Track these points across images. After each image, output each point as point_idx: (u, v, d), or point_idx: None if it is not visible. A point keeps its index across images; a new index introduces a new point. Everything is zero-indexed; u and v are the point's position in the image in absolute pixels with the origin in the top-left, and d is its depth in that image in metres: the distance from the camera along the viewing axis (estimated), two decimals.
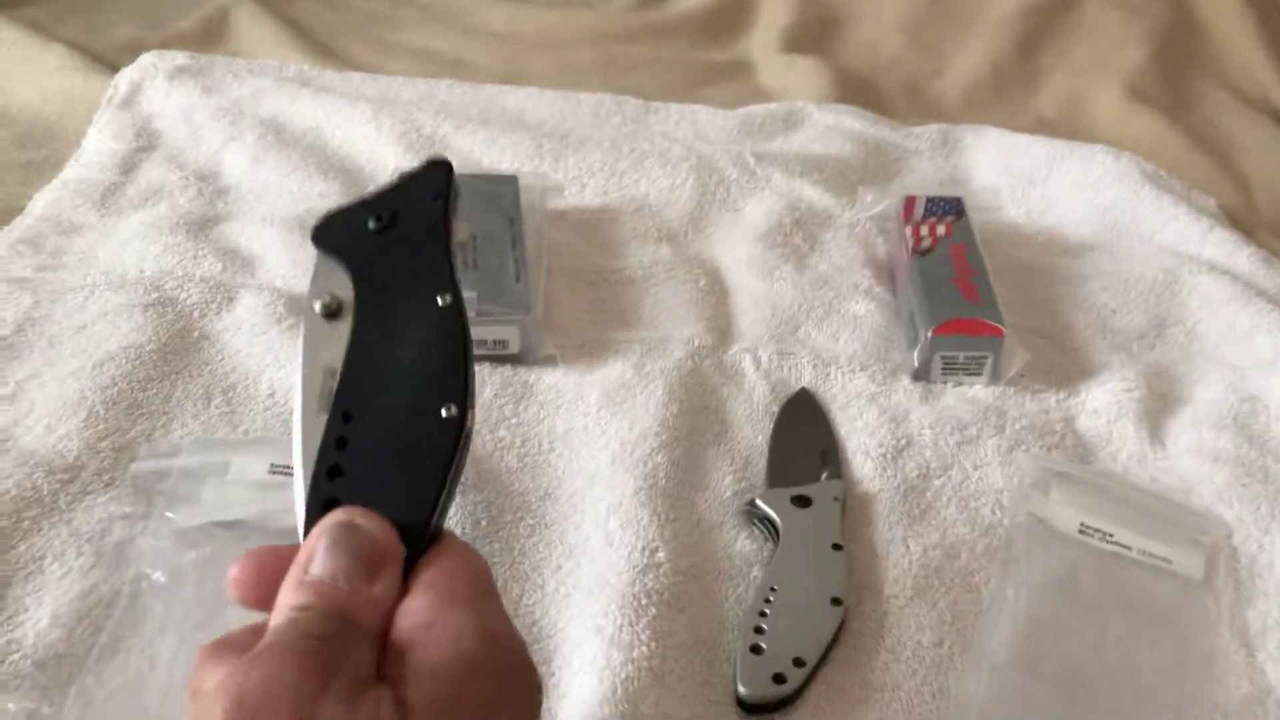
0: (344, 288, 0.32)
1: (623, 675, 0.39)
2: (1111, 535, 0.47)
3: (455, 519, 0.45)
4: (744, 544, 0.46)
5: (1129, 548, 0.46)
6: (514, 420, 0.51)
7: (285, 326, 0.53)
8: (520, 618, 0.42)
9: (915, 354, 0.55)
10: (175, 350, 0.52)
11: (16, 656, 0.38)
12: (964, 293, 0.56)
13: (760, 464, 0.50)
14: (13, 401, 0.48)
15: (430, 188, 0.34)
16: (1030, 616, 0.43)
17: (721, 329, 0.57)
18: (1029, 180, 0.71)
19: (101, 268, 0.56)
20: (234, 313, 0.55)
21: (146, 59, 0.72)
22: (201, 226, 0.60)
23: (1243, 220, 0.70)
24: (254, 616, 0.28)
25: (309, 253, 0.33)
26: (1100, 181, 0.69)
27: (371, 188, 0.37)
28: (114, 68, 0.72)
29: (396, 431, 0.30)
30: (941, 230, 0.60)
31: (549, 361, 0.54)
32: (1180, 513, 0.48)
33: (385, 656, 0.26)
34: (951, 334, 0.54)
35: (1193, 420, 0.53)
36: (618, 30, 0.87)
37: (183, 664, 0.38)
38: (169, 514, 0.43)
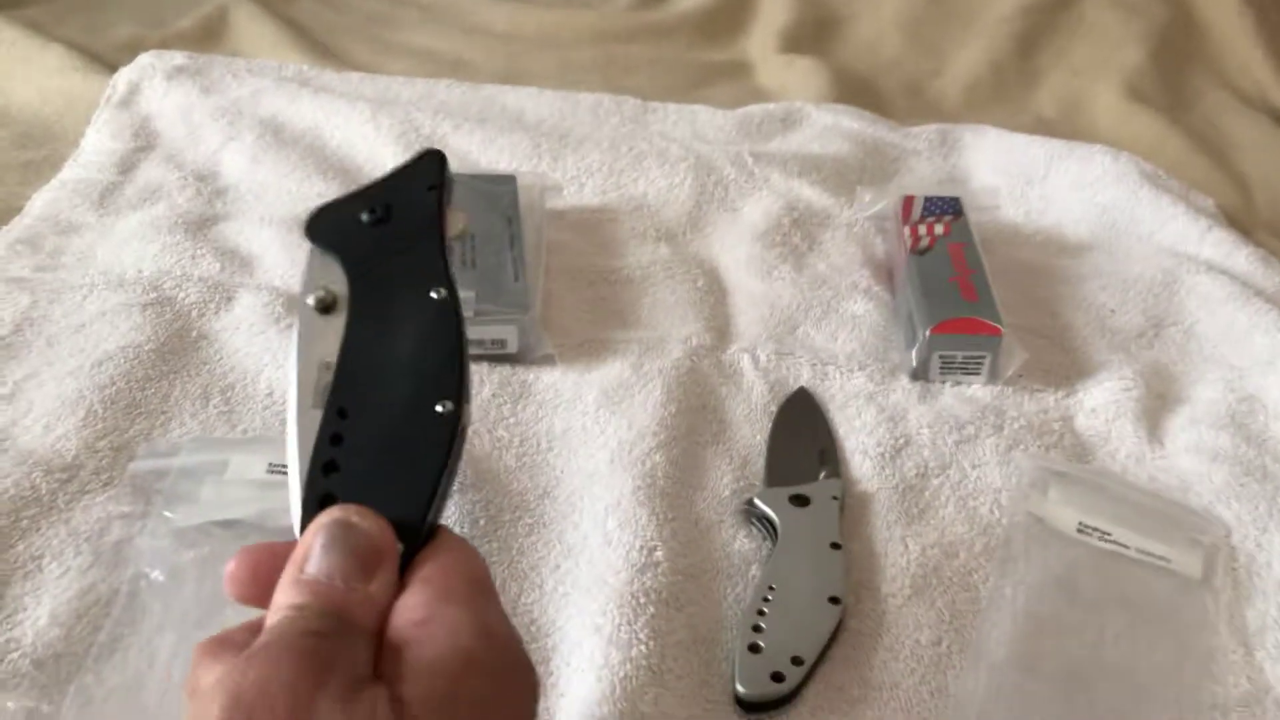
0: (338, 281, 0.32)
1: (621, 674, 0.39)
2: (1110, 534, 0.47)
3: (454, 518, 0.45)
4: (742, 543, 0.46)
5: (1127, 547, 0.46)
6: (512, 419, 0.51)
7: (284, 326, 0.53)
8: (519, 616, 0.42)
9: (913, 353, 0.55)
10: (173, 350, 0.52)
11: (15, 655, 0.38)
12: (962, 292, 0.56)
13: (758, 463, 0.50)
14: (11, 401, 0.48)
15: (424, 179, 0.34)
16: (1028, 615, 0.43)
17: (720, 328, 0.57)
18: (1027, 180, 0.71)
19: (100, 267, 0.56)
20: (232, 312, 0.55)
21: (145, 59, 0.72)
22: (200, 226, 0.60)
23: (1241, 220, 0.70)
24: (253, 616, 0.28)
25: (306, 251, 0.33)
26: (1099, 181, 0.69)
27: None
28: (113, 67, 0.72)
29: (392, 427, 0.30)
30: (940, 230, 0.60)
31: (547, 361, 0.54)
32: (1178, 512, 0.48)
33: (382, 654, 0.26)
34: (950, 333, 0.54)
35: (1191, 419, 0.53)
36: (617, 30, 0.87)
37: (181, 663, 0.38)
38: (167, 513, 0.43)
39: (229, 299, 0.55)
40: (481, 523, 0.45)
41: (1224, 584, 0.45)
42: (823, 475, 0.48)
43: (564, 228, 0.63)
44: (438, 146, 0.67)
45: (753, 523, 0.47)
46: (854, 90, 0.81)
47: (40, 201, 0.61)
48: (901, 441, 0.51)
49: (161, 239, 0.58)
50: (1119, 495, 0.49)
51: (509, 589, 0.43)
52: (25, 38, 0.75)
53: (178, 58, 0.73)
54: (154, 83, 0.70)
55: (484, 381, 0.52)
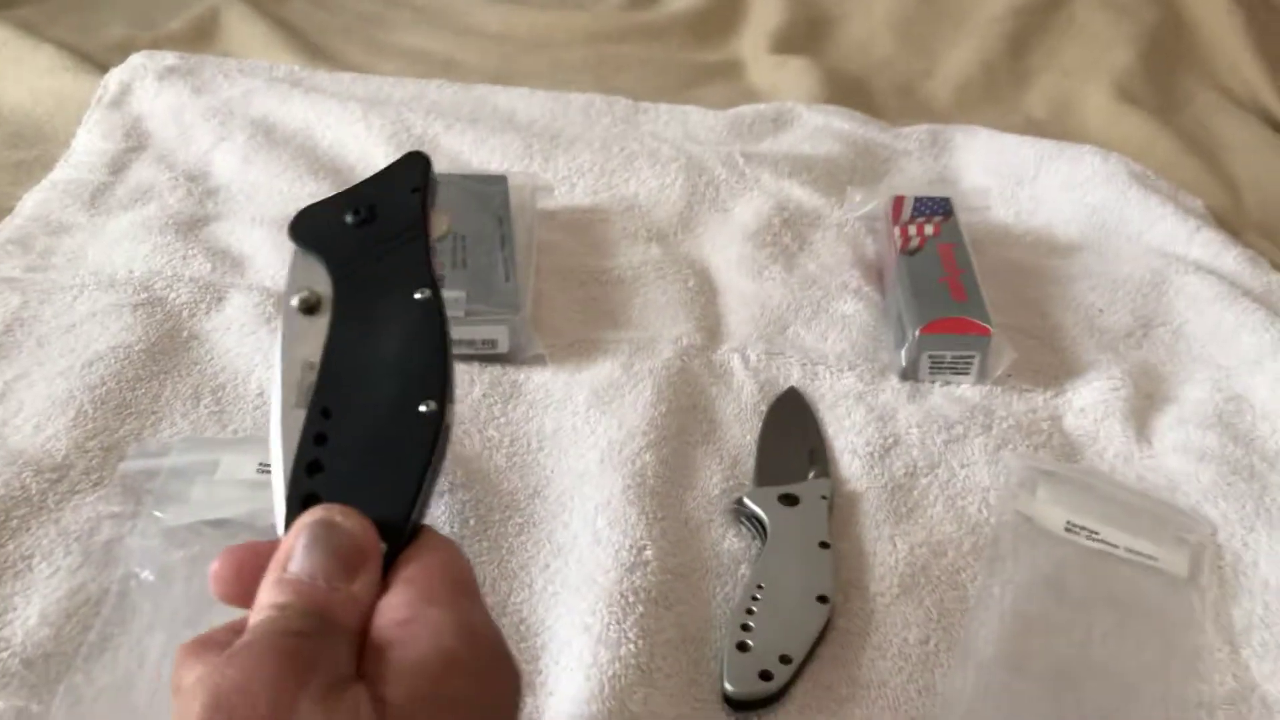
0: (322, 283, 0.32)
1: (610, 673, 0.39)
2: (1097, 533, 0.47)
3: (444, 517, 0.46)
4: (732, 542, 0.46)
5: (1115, 545, 0.47)
6: (502, 419, 0.51)
7: (274, 326, 0.53)
8: (508, 616, 0.42)
9: (903, 353, 0.55)
10: (164, 350, 0.52)
11: (5, 655, 0.38)
12: (952, 292, 0.56)
13: (748, 463, 0.50)
14: (1, 401, 0.48)
15: (408, 181, 0.34)
16: (1016, 614, 0.44)
17: (710, 328, 0.58)
18: (1018, 180, 0.71)
19: (90, 268, 0.56)
20: (223, 312, 0.55)
21: (136, 59, 0.72)
22: (191, 226, 0.60)
23: (1230, 220, 0.70)
24: (242, 616, 0.28)
25: (291, 253, 0.33)
26: (1088, 182, 0.70)
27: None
28: (104, 68, 0.72)
29: (375, 427, 0.30)
30: (930, 230, 0.60)
31: (538, 361, 0.54)
32: (1166, 511, 0.49)
33: (365, 654, 0.26)
34: (939, 333, 0.54)
35: (1179, 419, 0.54)
36: (609, 31, 0.87)
37: (171, 662, 0.38)
38: (157, 513, 0.43)
39: (220, 299, 0.55)
40: (471, 522, 0.45)
41: (1210, 582, 0.46)
42: (812, 475, 0.49)
43: (555, 228, 0.63)
44: (429, 147, 0.68)
45: (742, 522, 0.47)
46: (845, 91, 0.81)
47: (31, 202, 0.61)
48: (891, 441, 0.51)
49: (152, 239, 0.58)
50: (1107, 494, 0.49)
51: (499, 588, 0.43)
52: (16, 38, 0.75)
53: (169, 58, 0.73)
54: (145, 83, 0.70)
55: (474, 381, 0.52)
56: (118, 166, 0.65)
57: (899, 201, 0.62)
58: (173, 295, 0.55)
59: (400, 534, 0.28)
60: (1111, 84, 0.83)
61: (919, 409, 0.53)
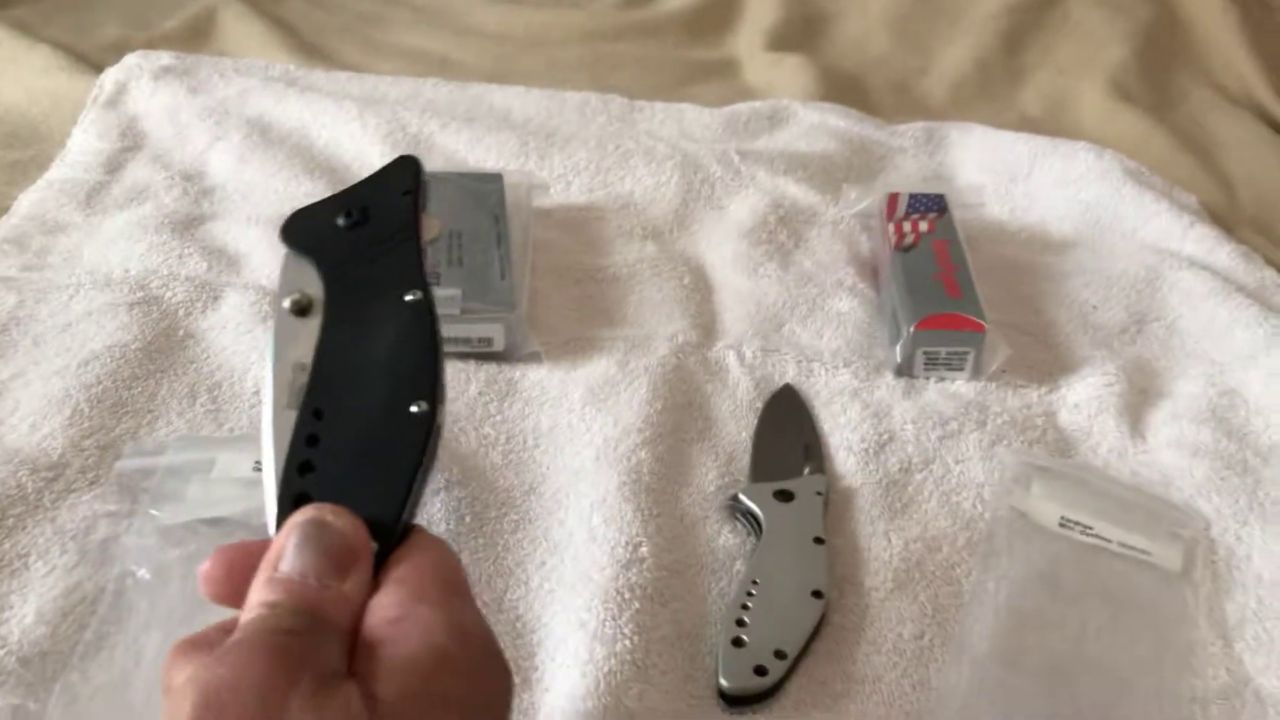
0: (313, 285, 0.32)
1: (606, 669, 0.39)
2: (1091, 528, 0.47)
3: (439, 514, 0.46)
4: (727, 538, 0.46)
5: (1109, 540, 0.47)
6: (498, 417, 0.51)
7: (270, 326, 0.53)
8: (504, 613, 0.42)
9: (898, 350, 0.55)
10: (160, 349, 0.52)
11: (1, 653, 0.38)
12: (946, 289, 0.56)
13: (744, 459, 0.50)
14: None
15: (400, 184, 0.35)
16: (1011, 609, 0.44)
17: (706, 326, 0.58)
18: (1012, 177, 0.71)
19: (86, 267, 0.57)
20: (219, 311, 0.55)
21: (131, 59, 0.72)
22: (187, 226, 0.60)
23: (1224, 217, 0.71)
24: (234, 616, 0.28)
25: (282, 255, 0.33)
26: (1083, 179, 0.70)
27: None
28: (100, 68, 0.72)
29: (367, 428, 0.30)
30: (924, 227, 0.61)
31: (534, 359, 0.54)
32: (1159, 506, 0.49)
33: (356, 652, 0.26)
34: (933, 329, 0.54)
35: (1172, 414, 0.54)
36: (604, 29, 0.87)
37: None
38: (153, 511, 0.43)
39: (216, 298, 0.55)
40: (467, 519, 0.46)
41: (1204, 577, 0.46)
42: (807, 471, 0.49)
43: (551, 226, 0.63)
44: (425, 145, 0.68)
45: (737, 518, 0.47)
46: (841, 88, 0.81)
47: (27, 201, 0.61)
48: (885, 437, 0.51)
49: (148, 238, 0.58)
50: (1101, 490, 0.49)
51: (494, 585, 0.43)
52: (12, 38, 0.75)
53: (165, 58, 0.73)
54: (141, 83, 0.71)
55: (470, 379, 0.52)
56: (113, 166, 0.65)
57: (894, 199, 0.62)
58: (169, 294, 0.55)
59: (391, 534, 0.29)
60: (1106, 81, 0.83)
61: (914, 405, 0.53)
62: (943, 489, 0.49)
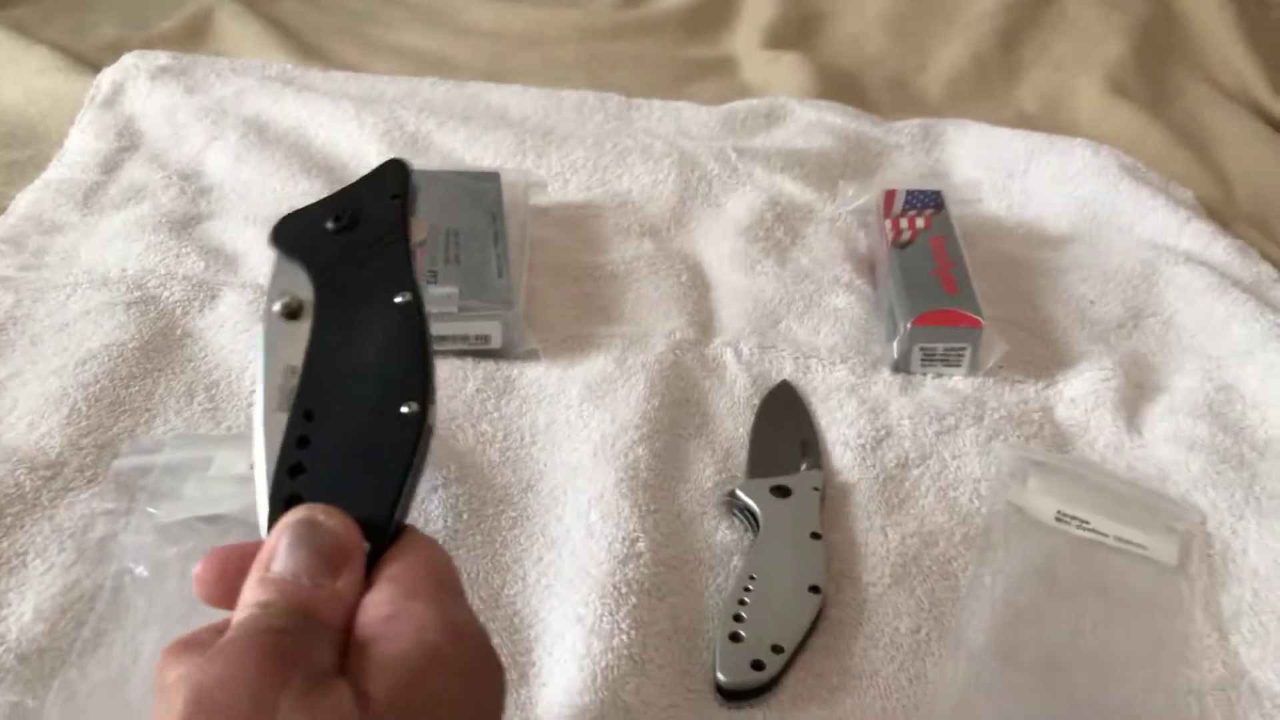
0: (303, 288, 0.33)
1: (603, 664, 0.39)
2: (1088, 523, 0.47)
3: (437, 511, 0.46)
4: (724, 534, 0.46)
5: (1105, 535, 0.47)
6: (496, 414, 0.51)
7: (261, 328, 0.53)
8: (501, 608, 0.42)
9: (895, 346, 0.55)
10: (158, 348, 0.52)
11: (0, 651, 0.38)
12: (943, 285, 0.56)
13: (741, 455, 0.50)
14: None
15: (388, 188, 0.35)
16: (1007, 603, 0.44)
17: (703, 323, 0.58)
18: (1009, 173, 0.71)
19: (84, 266, 0.57)
20: (216, 310, 0.55)
21: (128, 59, 0.72)
22: (184, 225, 0.60)
23: (1221, 212, 0.71)
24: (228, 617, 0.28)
25: (272, 259, 0.34)
26: (1079, 174, 0.70)
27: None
28: (97, 68, 0.73)
29: (357, 429, 0.30)
30: (921, 223, 0.61)
31: (531, 356, 0.54)
32: (1155, 500, 0.49)
33: (349, 651, 0.26)
34: (930, 325, 0.54)
35: (1169, 409, 0.54)
36: (602, 27, 0.87)
37: None
38: (151, 509, 0.43)
39: (213, 297, 0.55)
40: (465, 516, 0.46)
41: (1200, 570, 0.46)
42: (804, 467, 0.49)
43: (548, 224, 0.63)
44: (422, 145, 0.68)
45: (734, 514, 0.47)
46: (838, 86, 0.81)
47: (24, 201, 0.61)
48: (883, 433, 0.51)
49: (145, 238, 0.58)
50: (1097, 484, 0.49)
51: (491, 581, 0.43)
52: (9, 38, 0.75)
53: (161, 58, 0.73)
54: (138, 83, 0.71)
55: (468, 377, 0.53)
56: (110, 166, 0.65)
57: (890, 195, 0.63)
58: (166, 293, 0.55)
59: (383, 533, 0.29)
60: (1103, 77, 0.83)
61: (911, 401, 0.53)
62: (940, 484, 0.49)
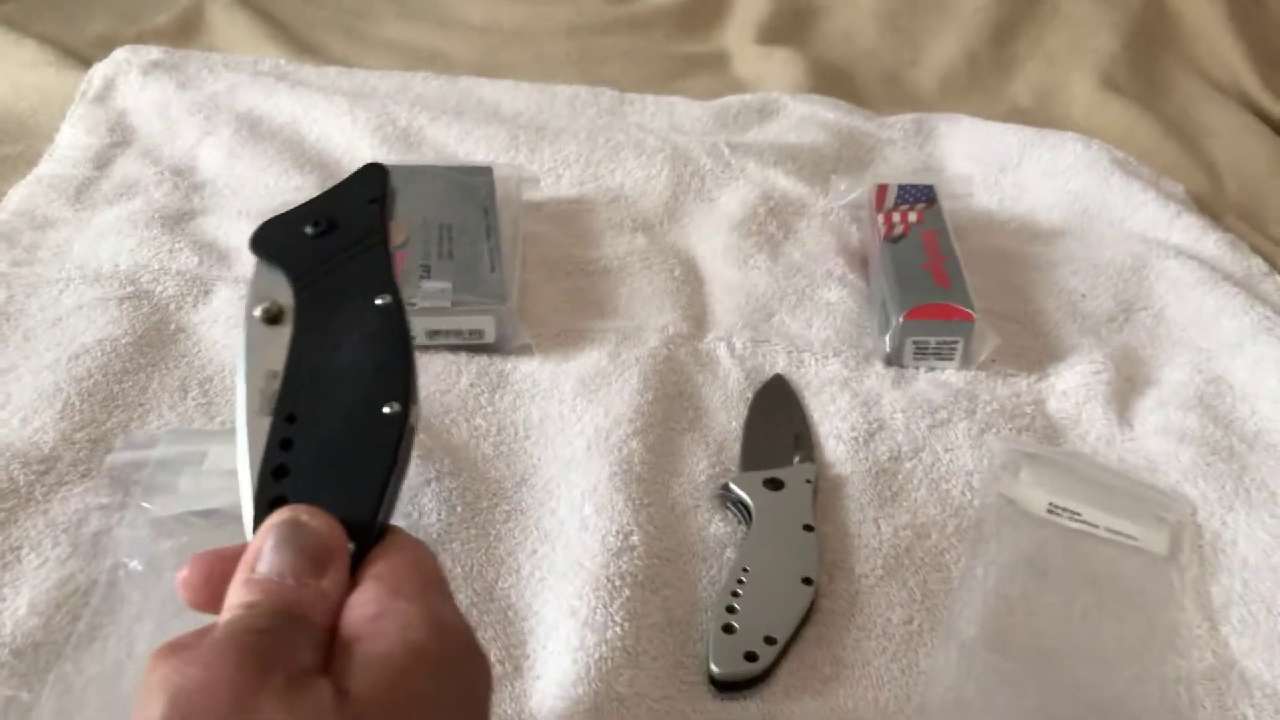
0: (284, 294, 0.33)
1: (597, 656, 0.39)
2: (1079, 514, 0.48)
3: (431, 505, 0.46)
4: (717, 527, 0.46)
5: (1096, 526, 0.47)
6: (489, 409, 0.51)
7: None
8: (495, 601, 0.42)
9: (887, 339, 0.55)
10: (151, 343, 0.52)
11: None
12: (935, 279, 0.56)
13: (734, 449, 0.50)
14: None
15: (366, 192, 0.35)
16: (999, 594, 0.44)
17: (696, 317, 0.58)
18: (1001, 168, 0.71)
19: (76, 262, 0.57)
20: (210, 305, 0.55)
21: (120, 54, 0.72)
22: (177, 220, 0.60)
23: (1211, 205, 0.71)
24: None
25: (253, 265, 0.34)
26: (1071, 169, 0.70)
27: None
28: (88, 63, 0.72)
29: (340, 430, 0.30)
30: (913, 217, 0.61)
31: (525, 351, 0.54)
32: (1146, 491, 0.49)
33: (334, 650, 0.26)
34: (923, 319, 0.55)
35: (1159, 401, 0.54)
36: (593, 22, 0.87)
37: None
38: (145, 504, 0.44)
39: (206, 292, 0.55)
40: (459, 510, 0.46)
41: (1190, 561, 0.46)
42: (797, 460, 0.49)
43: (541, 219, 0.63)
44: (415, 139, 0.68)
45: (728, 507, 0.47)
46: (830, 81, 0.81)
47: (16, 197, 0.61)
48: (875, 426, 0.51)
49: (138, 233, 0.58)
50: (1089, 476, 0.49)
51: (485, 574, 0.43)
52: (0, 33, 0.74)
53: (153, 53, 0.73)
54: (130, 78, 0.70)
55: (461, 371, 0.53)
56: (103, 161, 0.65)
57: (883, 189, 0.63)
58: (159, 288, 0.55)
59: (368, 533, 0.29)
60: (1095, 71, 0.83)
61: (903, 394, 0.53)
62: (932, 477, 0.49)
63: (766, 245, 0.63)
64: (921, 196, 0.62)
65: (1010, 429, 0.52)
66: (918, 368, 0.55)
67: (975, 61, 0.86)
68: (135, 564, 0.41)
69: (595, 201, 0.65)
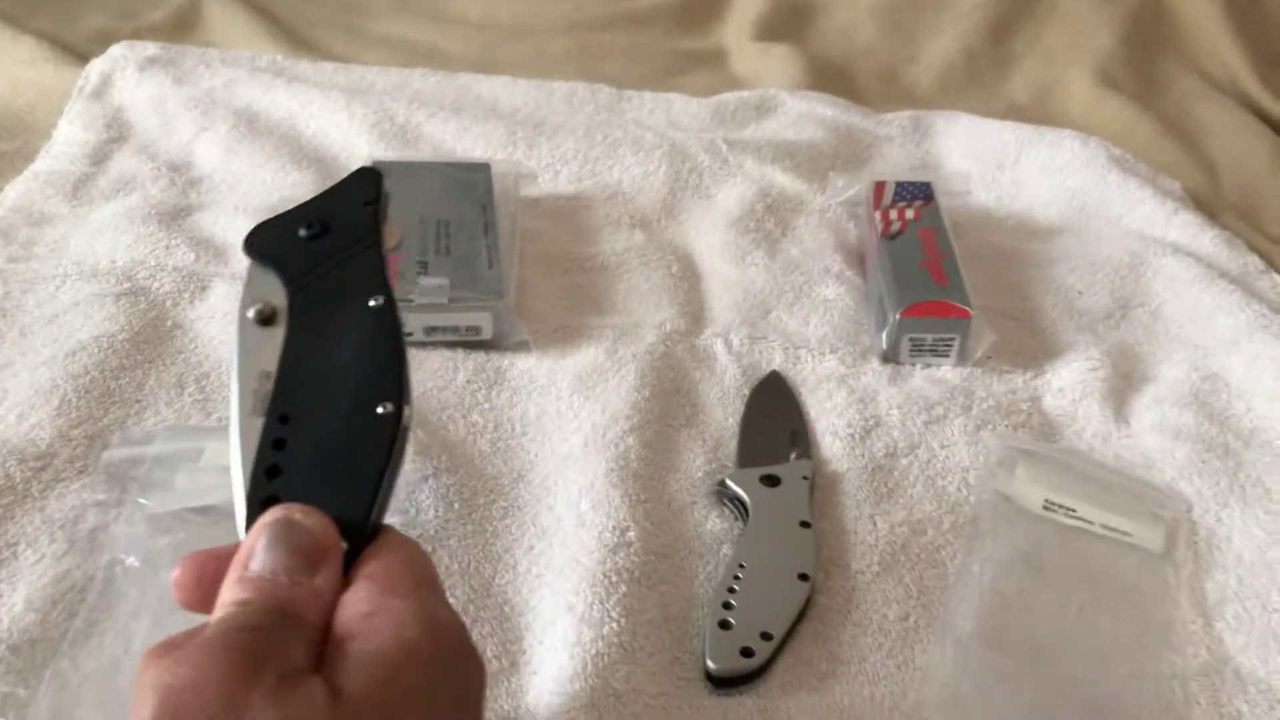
0: (277, 295, 0.33)
1: (593, 651, 0.39)
2: (1075, 511, 0.48)
3: (428, 501, 0.46)
4: (714, 523, 0.46)
5: (1091, 522, 0.47)
6: (487, 405, 0.51)
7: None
8: (492, 597, 0.43)
9: (884, 336, 0.55)
10: (148, 339, 0.52)
11: None
12: (932, 276, 0.56)
13: (731, 445, 0.50)
14: None
15: (360, 195, 0.35)
16: (995, 591, 0.44)
17: (694, 314, 0.58)
18: (998, 165, 0.71)
19: (73, 258, 0.57)
20: (207, 301, 0.55)
21: (117, 50, 0.72)
22: (174, 216, 0.60)
23: (1208, 203, 0.71)
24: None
25: (246, 267, 0.34)
26: (1068, 166, 0.70)
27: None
28: (85, 59, 0.72)
29: (333, 431, 0.30)
30: (911, 214, 0.61)
31: (522, 347, 0.54)
32: (1142, 488, 0.49)
33: (326, 648, 0.26)
34: (919, 316, 0.55)
35: (1155, 398, 0.54)
36: (592, 19, 0.87)
37: None
38: (142, 500, 0.44)
39: (203, 288, 0.55)
40: (456, 506, 0.46)
41: (1185, 557, 0.46)
42: (794, 456, 0.49)
43: (539, 215, 0.63)
44: (412, 136, 0.68)
45: (724, 503, 0.47)
46: (828, 77, 0.81)
47: (13, 193, 0.61)
48: (872, 422, 0.51)
49: (135, 229, 0.58)
50: (1084, 473, 0.50)
51: (483, 570, 0.43)
52: None
53: (150, 48, 0.73)
54: (126, 74, 0.70)
55: (459, 368, 0.53)
56: (99, 157, 0.65)
57: (880, 186, 0.63)
58: (156, 285, 0.55)
59: (361, 533, 0.29)
60: (1093, 69, 0.83)
61: (900, 391, 0.54)
62: (928, 473, 0.49)
63: (764, 242, 0.63)
64: (919, 193, 0.62)
65: (1006, 426, 0.52)
66: (914, 364, 0.55)
67: (973, 59, 0.86)
68: (132, 560, 0.41)
69: (593, 198, 0.65)
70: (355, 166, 0.65)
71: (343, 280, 0.33)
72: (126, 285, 0.54)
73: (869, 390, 0.53)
